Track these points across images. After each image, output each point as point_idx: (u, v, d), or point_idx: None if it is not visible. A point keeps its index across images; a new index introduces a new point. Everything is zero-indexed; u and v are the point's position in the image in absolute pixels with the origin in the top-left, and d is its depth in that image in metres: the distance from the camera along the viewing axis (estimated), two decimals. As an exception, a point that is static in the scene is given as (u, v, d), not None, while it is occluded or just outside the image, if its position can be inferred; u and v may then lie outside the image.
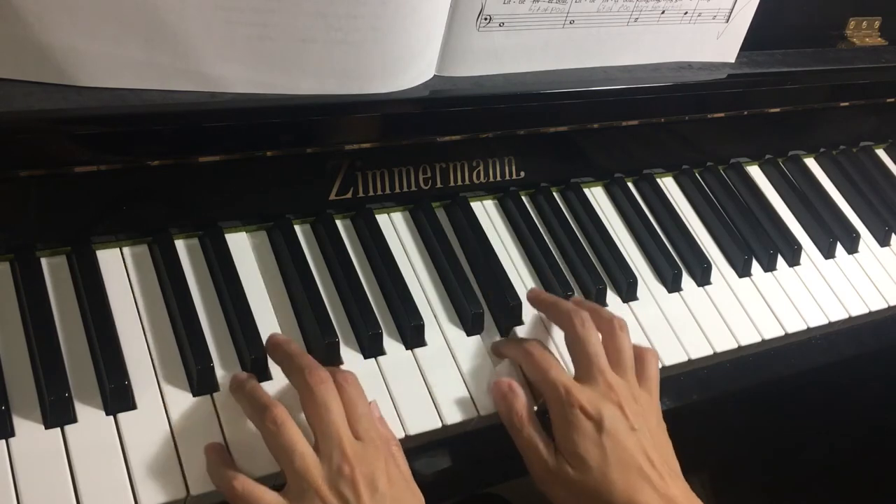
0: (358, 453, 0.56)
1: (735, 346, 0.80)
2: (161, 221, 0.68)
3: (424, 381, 0.68)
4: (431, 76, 0.74)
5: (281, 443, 0.56)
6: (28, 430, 0.56)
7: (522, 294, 0.75)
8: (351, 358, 0.67)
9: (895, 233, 0.99)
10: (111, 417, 0.58)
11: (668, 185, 0.93)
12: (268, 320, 0.67)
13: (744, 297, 0.85)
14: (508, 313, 0.73)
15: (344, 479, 0.55)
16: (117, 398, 0.58)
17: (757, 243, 0.89)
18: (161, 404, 0.60)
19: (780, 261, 0.90)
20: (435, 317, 0.72)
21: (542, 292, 0.75)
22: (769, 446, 1.31)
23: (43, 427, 0.57)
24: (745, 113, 0.93)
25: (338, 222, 0.75)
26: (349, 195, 0.74)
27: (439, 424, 0.66)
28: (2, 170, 0.59)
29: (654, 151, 0.91)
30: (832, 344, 0.88)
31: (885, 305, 0.90)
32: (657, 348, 0.76)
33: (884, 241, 0.98)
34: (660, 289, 0.82)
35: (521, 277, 0.78)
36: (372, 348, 0.68)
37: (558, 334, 0.72)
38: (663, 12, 0.82)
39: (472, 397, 0.68)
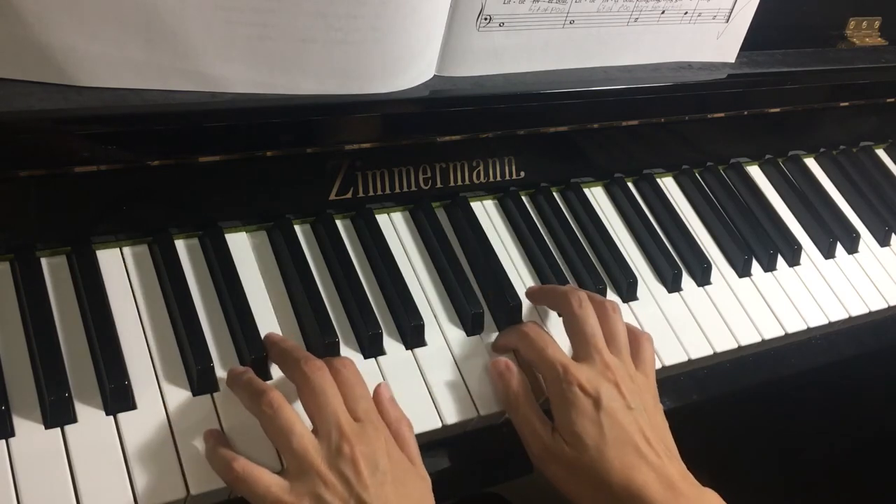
0: (357, 433, 0.56)
1: (735, 346, 0.80)
2: (161, 221, 0.68)
3: (424, 381, 0.68)
4: (431, 76, 0.74)
5: (278, 425, 0.56)
6: (28, 430, 0.56)
7: (522, 294, 0.75)
8: (351, 358, 0.67)
9: (895, 233, 0.99)
10: (111, 417, 0.58)
11: (668, 185, 0.93)
12: (268, 320, 0.67)
13: (744, 297, 0.85)
14: (508, 313, 0.73)
15: (343, 457, 0.55)
16: (117, 398, 0.58)
17: (757, 243, 0.89)
18: (161, 404, 0.60)
19: (780, 261, 0.90)
20: (435, 317, 0.72)
21: (537, 286, 0.75)
22: (769, 446, 1.31)
23: (43, 427, 0.57)
24: (745, 113, 0.93)
25: (338, 222, 0.75)
26: (349, 195, 0.74)
27: (439, 424, 0.66)
28: (2, 170, 0.59)
29: (654, 151, 0.91)
30: (832, 344, 0.88)
31: (885, 305, 0.90)
32: (657, 348, 0.76)
33: (884, 241, 0.98)
34: (660, 289, 0.82)
35: (521, 277, 0.78)
36: (372, 348, 0.68)
37: (556, 330, 0.72)
38: (663, 12, 0.82)
39: (472, 397, 0.68)
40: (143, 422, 0.59)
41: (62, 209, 0.64)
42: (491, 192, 0.83)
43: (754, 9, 0.86)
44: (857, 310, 0.89)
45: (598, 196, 0.88)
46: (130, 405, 0.59)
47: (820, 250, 0.93)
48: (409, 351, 0.69)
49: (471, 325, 0.72)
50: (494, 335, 0.72)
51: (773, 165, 1.00)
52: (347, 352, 0.67)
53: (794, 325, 0.84)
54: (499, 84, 0.77)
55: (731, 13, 0.86)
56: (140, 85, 0.63)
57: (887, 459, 1.29)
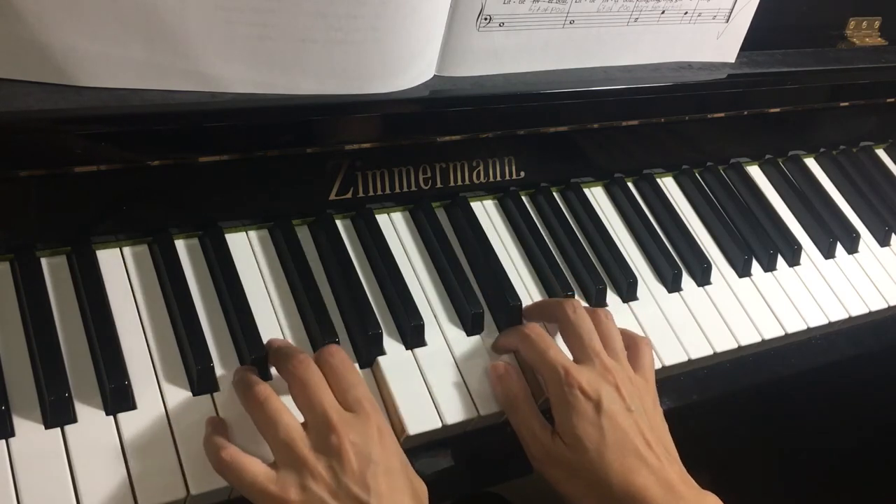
0: (347, 422, 0.56)
1: (735, 346, 0.80)
2: (161, 221, 0.68)
3: (424, 381, 0.68)
4: (431, 76, 0.74)
5: (265, 415, 0.56)
6: (28, 430, 0.56)
7: (522, 294, 0.75)
8: (351, 358, 0.67)
9: (895, 233, 0.99)
10: (111, 417, 0.58)
11: (668, 185, 0.93)
12: (268, 320, 0.67)
13: (744, 297, 0.85)
14: (508, 313, 0.73)
15: (331, 448, 0.54)
16: (117, 398, 0.58)
17: (757, 243, 0.89)
18: (161, 404, 0.60)
19: (780, 261, 0.90)
20: (435, 317, 0.72)
21: (531, 304, 0.75)
22: (769, 446, 1.31)
23: (43, 427, 0.57)
24: (745, 113, 0.93)
25: (338, 222, 0.75)
26: (349, 195, 0.74)
27: (439, 424, 0.66)
28: (2, 170, 0.59)
29: (654, 151, 0.91)
30: (832, 344, 0.88)
31: (885, 305, 0.90)
32: (657, 348, 0.76)
33: (884, 241, 0.98)
34: (660, 289, 0.82)
35: (521, 277, 0.78)
36: (372, 348, 0.68)
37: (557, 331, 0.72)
38: (663, 12, 0.82)
39: (472, 397, 0.68)
40: (143, 422, 0.59)
41: (62, 209, 0.64)
42: (491, 192, 0.83)
43: (754, 9, 0.86)
44: (857, 310, 0.89)
45: (598, 196, 0.88)
46: (130, 405, 0.59)
47: (820, 250, 0.93)
48: (409, 351, 0.69)
49: (471, 325, 0.72)
50: (494, 335, 0.72)
51: (773, 165, 1.00)
52: (347, 352, 0.67)
53: (794, 325, 0.84)
54: (499, 84, 0.77)
55: (731, 13, 0.86)
56: (140, 85, 0.63)
57: (887, 459, 1.29)
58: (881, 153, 1.10)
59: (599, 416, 0.63)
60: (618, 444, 0.62)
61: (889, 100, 1.04)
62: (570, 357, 0.68)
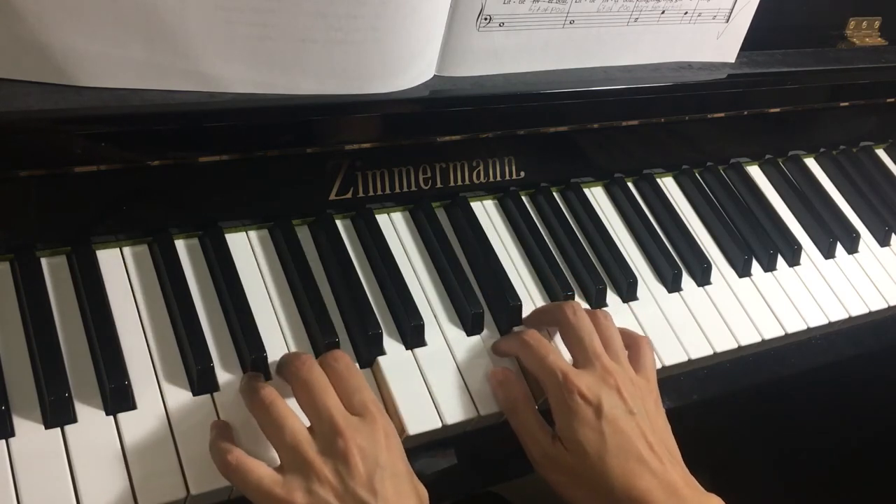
0: (353, 426, 0.56)
1: (735, 346, 0.80)
2: (161, 221, 0.68)
3: (424, 381, 0.68)
4: (431, 76, 0.74)
5: (271, 419, 0.56)
6: (28, 430, 0.56)
7: (522, 294, 0.75)
8: (351, 358, 0.67)
9: (895, 233, 0.99)
10: (111, 417, 0.58)
11: (668, 185, 0.93)
12: (268, 320, 0.67)
13: (744, 297, 0.85)
14: (508, 313, 0.73)
15: (337, 452, 0.54)
16: (117, 398, 0.58)
17: (757, 243, 0.89)
18: (161, 404, 0.60)
19: (780, 261, 0.90)
20: (435, 317, 0.72)
21: (532, 311, 0.74)
22: (769, 446, 1.31)
23: (43, 427, 0.57)
24: (745, 113, 0.93)
25: (338, 222, 0.75)
26: (349, 195, 0.74)
27: (439, 424, 0.66)
28: (2, 170, 0.59)
29: (654, 151, 0.91)
30: (832, 344, 0.88)
31: (885, 305, 0.90)
32: (657, 348, 0.76)
33: (884, 241, 0.98)
34: (660, 289, 0.82)
35: (521, 277, 0.78)
36: (372, 348, 0.68)
37: (557, 335, 0.72)
38: (663, 12, 0.82)
39: (472, 397, 0.68)
40: (143, 422, 0.59)
41: (62, 209, 0.64)
42: (491, 192, 0.83)
43: (754, 9, 0.86)
44: (857, 310, 0.89)
45: (598, 196, 0.88)
46: (130, 405, 0.59)
47: (820, 250, 0.93)
48: (409, 351, 0.69)
49: (471, 325, 0.72)
50: (494, 335, 0.72)
51: (773, 165, 1.00)
52: (347, 352, 0.67)
53: (794, 325, 0.84)
54: (499, 84, 0.77)
55: (731, 13, 0.86)
56: (140, 85, 0.63)
57: (887, 459, 1.29)
58: (881, 153, 1.10)
59: (600, 420, 0.62)
60: (619, 449, 0.62)
61: (889, 100, 1.04)
62: (571, 360, 0.68)
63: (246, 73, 0.65)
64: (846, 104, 1.00)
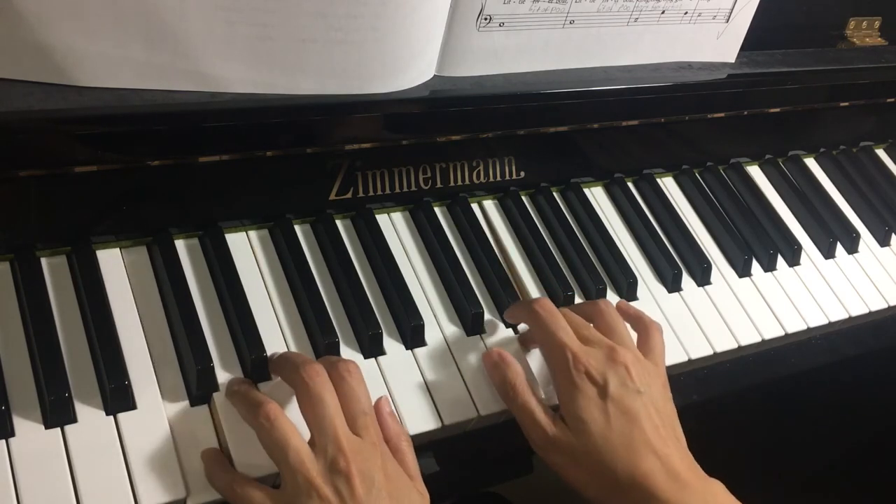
0: (354, 448, 0.56)
1: (735, 346, 0.80)
2: (161, 221, 0.68)
3: (424, 381, 0.68)
4: (431, 76, 0.74)
5: (274, 438, 0.56)
6: (28, 430, 0.56)
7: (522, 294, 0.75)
8: (351, 358, 0.67)
9: (895, 233, 0.99)
10: (111, 417, 0.58)
11: (668, 185, 0.93)
12: (268, 320, 0.67)
13: (744, 297, 0.85)
14: (508, 313, 0.73)
15: (339, 472, 0.54)
16: (117, 398, 0.58)
17: (757, 243, 0.89)
18: (161, 404, 0.60)
19: (780, 261, 0.90)
20: (435, 317, 0.72)
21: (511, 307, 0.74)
22: (770, 446, 1.31)
23: (43, 427, 0.57)
24: (745, 113, 0.93)
25: (338, 222, 0.75)
26: (349, 195, 0.74)
27: (439, 424, 0.66)
28: (2, 170, 0.59)
29: (654, 151, 0.91)
30: (832, 344, 0.88)
31: (885, 305, 0.90)
32: (657, 348, 0.76)
33: (884, 241, 0.98)
34: (660, 289, 0.82)
35: (522, 277, 0.78)
36: (372, 348, 0.68)
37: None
38: (663, 12, 0.82)
39: (471, 397, 0.68)
40: (143, 422, 0.59)
41: (62, 209, 0.64)
42: (491, 192, 0.83)
43: (754, 9, 0.86)
44: (857, 310, 0.89)
45: (598, 196, 0.88)
46: (130, 405, 0.59)
47: (820, 250, 0.93)
48: (409, 351, 0.69)
49: (471, 325, 0.72)
50: (494, 335, 0.72)
51: (773, 165, 1.00)
52: (347, 352, 0.67)
53: (794, 325, 0.84)
54: (499, 84, 0.77)
55: (731, 13, 0.86)
56: (140, 85, 0.63)
57: (887, 459, 1.29)
58: (881, 153, 1.10)
59: (605, 400, 0.62)
60: (623, 429, 0.61)
61: (889, 100, 1.04)
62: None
63: (246, 73, 0.65)
64: (846, 104, 1.00)
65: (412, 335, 0.69)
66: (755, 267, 0.88)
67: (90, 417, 0.58)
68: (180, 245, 0.69)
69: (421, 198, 0.78)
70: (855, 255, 0.94)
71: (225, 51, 0.63)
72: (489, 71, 0.77)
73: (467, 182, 0.80)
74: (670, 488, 0.60)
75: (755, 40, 0.89)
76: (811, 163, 1.04)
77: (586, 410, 0.62)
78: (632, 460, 0.60)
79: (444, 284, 0.74)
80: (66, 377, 0.58)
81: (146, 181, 0.65)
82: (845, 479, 1.30)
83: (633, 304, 0.80)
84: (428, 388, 0.67)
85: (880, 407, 1.25)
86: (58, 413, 0.57)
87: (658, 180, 0.92)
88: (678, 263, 0.84)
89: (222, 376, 0.62)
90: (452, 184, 0.79)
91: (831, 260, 0.93)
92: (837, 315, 0.87)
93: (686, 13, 0.83)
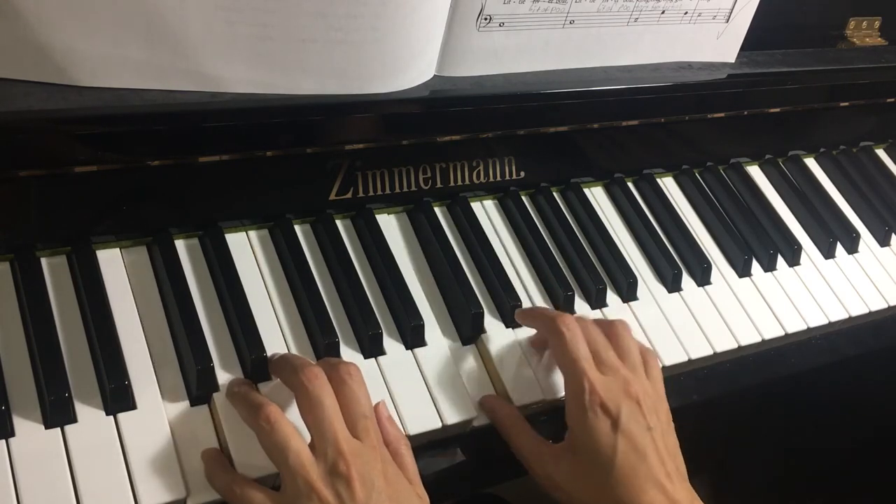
0: (354, 451, 0.56)
1: (735, 346, 0.80)
2: (161, 221, 0.68)
3: (424, 381, 0.68)
4: (431, 76, 0.74)
5: (275, 440, 0.56)
6: (28, 430, 0.56)
7: (522, 294, 0.75)
8: (351, 358, 0.67)
9: (895, 233, 0.99)
10: (111, 417, 0.58)
11: (668, 185, 0.93)
12: (268, 320, 0.67)
13: (744, 297, 0.85)
14: (508, 313, 0.73)
15: (339, 476, 0.54)
16: (117, 398, 0.58)
17: (757, 243, 0.89)
18: (161, 404, 0.60)
19: (780, 261, 0.90)
20: (435, 317, 0.72)
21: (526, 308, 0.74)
22: (769, 446, 1.31)
23: (43, 427, 0.57)
24: (745, 113, 0.93)
25: (338, 222, 0.75)
26: (349, 195, 0.74)
27: (439, 424, 0.66)
28: (2, 170, 0.59)
29: (654, 151, 0.91)
30: (832, 344, 0.88)
31: (885, 305, 0.90)
32: (657, 348, 0.76)
33: (884, 241, 0.98)
34: (660, 289, 0.82)
35: (521, 277, 0.78)
36: (372, 348, 0.68)
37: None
38: (663, 12, 0.82)
39: (471, 397, 0.68)
40: (143, 422, 0.59)
41: (62, 209, 0.64)
42: (491, 192, 0.83)
43: (754, 9, 0.86)
44: (857, 310, 0.89)
45: (598, 196, 0.88)
46: (130, 405, 0.59)
47: (820, 250, 0.93)
48: (409, 351, 0.69)
49: (471, 325, 0.72)
50: (494, 335, 0.72)
51: (773, 165, 1.00)
52: (347, 351, 0.67)
53: (794, 325, 0.84)
54: (499, 84, 0.77)
55: (731, 13, 0.86)
56: (140, 85, 0.63)
57: (887, 459, 1.29)
58: (881, 153, 1.10)
59: (616, 432, 0.62)
60: (630, 462, 0.62)
61: (889, 100, 1.04)
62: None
63: (246, 73, 0.65)
64: (846, 104, 1.00)
65: (412, 335, 0.69)
66: (755, 267, 0.88)
67: (90, 417, 0.58)
68: (180, 245, 0.69)
69: (421, 198, 0.78)
70: (855, 255, 0.94)
71: (225, 51, 0.63)
72: (489, 71, 0.77)
73: (467, 182, 0.80)
74: None
75: (755, 40, 0.89)
76: (811, 163, 1.04)
77: (596, 440, 0.62)
78: (635, 493, 0.61)
79: (444, 284, 0.74)
80: (66, 377, 0.58)
81: (146, 181, 0.65)
82: (845, 479, 1.30)
83: (633, 304, 0.80)
84: (428, 389, 0.67)
85: (880, 407, 1.25)
86: (58, 413, 0.57)
87: (658, 180, 0.92)
88: (678, 263, 0.84)
89: (222, 376, 0.62)
90: (452, 184, 0.79)
91: (831, 260, 0.93)
92: (837, 315, 0.87)
93: (686, 13, 0.83)
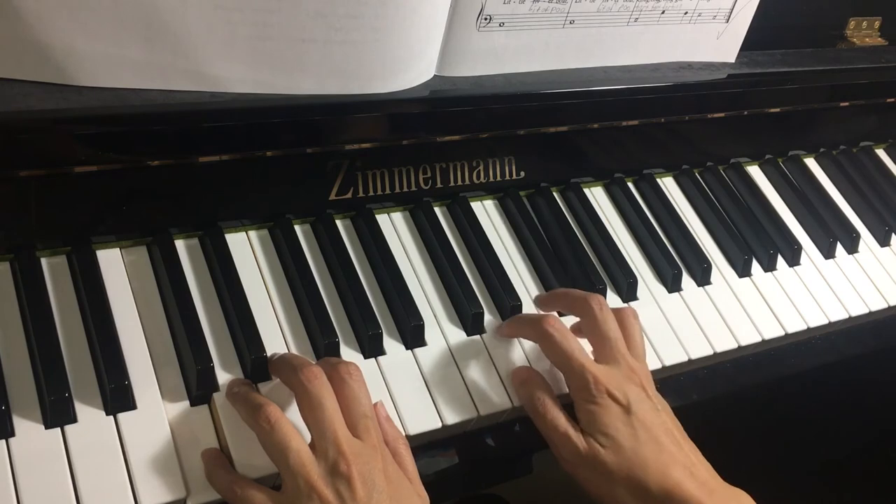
0: (355, 450, 0.56)
1: (735, 346, 0.80)
2: (161, 221, 0.68)
3: (424, 381, 0.68)
4: (431, 76, 0.74)
5: (275, 440, 0.56)
6: (28, 430, 0.56)
7: (522, 294, 0.75)
8: (351, 358, 0.67)
9: (895, 233, 0.99)
10: (111, 417, 0.58)
11: (668, 185, 0.93)
12: (268, 320, 0.67)
13: (744, 297, 0.85)
14: (508, 313, 0.73)
15: (340, 475, 0.54)
16: (117, 398, 0.58)
17: (757, 243, 0.89)
18: (161, 404, 0.60)
19: (780, 261, 0.90)
20: (435, 317, 0.72)
21: (548, 292, 0.75)
22: (770, 446, 1.31)
23: (43, 427, 0.57)
24: (745, 113, 0.93)
25: (338, 222, 0.75)
26: (349, 195, 0.74)
27: (439, 424, 0.66)
28: (2, 170, 0.59)
29: (654, 151, 0.91)
30: (832, 344, 0.88)
31: (885, 305, 0.90)
32: (657, 348, 0.76)
33: (884, 241, 0.98)
34: (660, 289, 0.82)
35: (521, 277, 0.78)
36: (372, 348, 0.68)
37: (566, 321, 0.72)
38: (663, 12, 0.82)
39: (472, 397, 0.68)
40: (143, 422, 0.59)
41: (62, 209, 0.64)
42: (491, 192, 0.83)
43: (754, 9, 0.86)
44: (857, 310, 0.89)
45: (598, 196, 0.88)
46: (130, 405, 0.59)
47: (820, 250, 0.93)
48: (409, 351, 0.69)
49: (471, 325, 0.72)
50: (494, 335, 0.72)
51: (773, 165, 1.00)
52: (347, 351, 0.67)
53: (794, 325, 0.84)
54: (499, 84, 0.77)
55: (731, 13, 0.86)
56: (140, 85, 0.63)
57: (888, 459, 1.29)
58: (881, 153, 1.10)
59: (630, 416, 0.64)
60: (650, 442, 0.63)
61: (889, 100, 1.04)
62: (592, 351, 0.68)
63: (246, 73, 0.65)
64: (846, 104, 1.01)
65: (412, 335, 0.69)
66: (755, 267, 0.88)
67: (90, 417, 0.58)
68: (180, 245, 0.69)
69: (421, 198, 0.78)
70: (855, 255, 0.94)
71: (225, 51, 0.63)
72: (489, 71, 0.77)
73: (467, 182, 0.80)
74: (701, 494, 0.62)
75: (755, 40, 0.89)
76: (811, 163, 1.04)
77: (613, 427, 0.63)
78: (662, 471, 0.62)
79: (444, 284, 0.74)
80: (66, 377, 0.58)
81: (146, 181, 0.65)
82: (846, 478, 1.30)
83: (633, 304, 0.80)
84: (428, 388, 0.67)
85: (881, 406, 1.25)
86: (58, 413, 0.57)
87: (658, 180, 0.92)
88: (678, 263, 0.84)
89: (222, 376, 0.62)
90: (452, 184, 0.79)
91: (831, 260, 0.93)
92: (837, 315, 0.87)
93: (686, 13, 0.83)
